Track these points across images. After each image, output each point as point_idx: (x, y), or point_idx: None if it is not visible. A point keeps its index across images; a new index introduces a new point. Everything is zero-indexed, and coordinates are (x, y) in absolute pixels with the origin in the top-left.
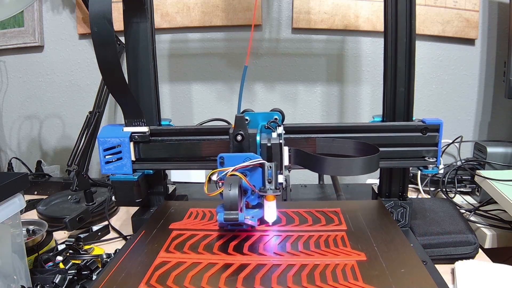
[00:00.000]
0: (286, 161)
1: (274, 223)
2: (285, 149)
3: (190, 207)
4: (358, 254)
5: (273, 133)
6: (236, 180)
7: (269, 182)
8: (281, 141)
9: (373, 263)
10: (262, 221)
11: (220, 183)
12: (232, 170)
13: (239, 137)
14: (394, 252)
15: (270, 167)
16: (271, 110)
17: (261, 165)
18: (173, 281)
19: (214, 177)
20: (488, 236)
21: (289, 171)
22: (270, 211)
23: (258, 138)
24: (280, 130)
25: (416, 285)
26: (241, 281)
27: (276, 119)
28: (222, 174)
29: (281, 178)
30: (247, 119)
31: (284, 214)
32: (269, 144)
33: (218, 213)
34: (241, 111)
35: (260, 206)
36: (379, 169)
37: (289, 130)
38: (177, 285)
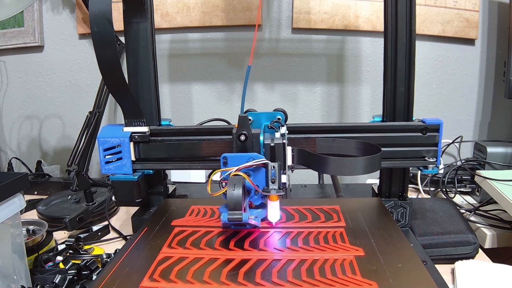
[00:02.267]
0: (289, 161)
1: None
2: (288, 149)
3: (192, 204)
4: (356, 249)
5: (276, 133)
6: (240, 180)
7: (273, 182)
8: (284, 141)
9: (371, 258)
10: (264, 220)
11: (224, 183)
12: (235, 170)
13: (242, 137)
14: (392, 247)
15: (274, 167)
16: (274, 110)
17: (265, 165)
18: (175, 276)
19: (217, 177)
20: (488, 236)
21: (292, 171)
22: (274, 211)
23: (261, 138)
24: (284, 130)
25: (416, 285)
26: (242, 275)
27: (279, 119)
28: (225, 174)
29: (284, 178)
30: (250, 119)
31: (284, 211)
32: (272, 144)
33: (221, 213)
34: (244, 111)
35: (263, 206)
36: (379, 169)
37: (289, 130)
38: (180, 280)
